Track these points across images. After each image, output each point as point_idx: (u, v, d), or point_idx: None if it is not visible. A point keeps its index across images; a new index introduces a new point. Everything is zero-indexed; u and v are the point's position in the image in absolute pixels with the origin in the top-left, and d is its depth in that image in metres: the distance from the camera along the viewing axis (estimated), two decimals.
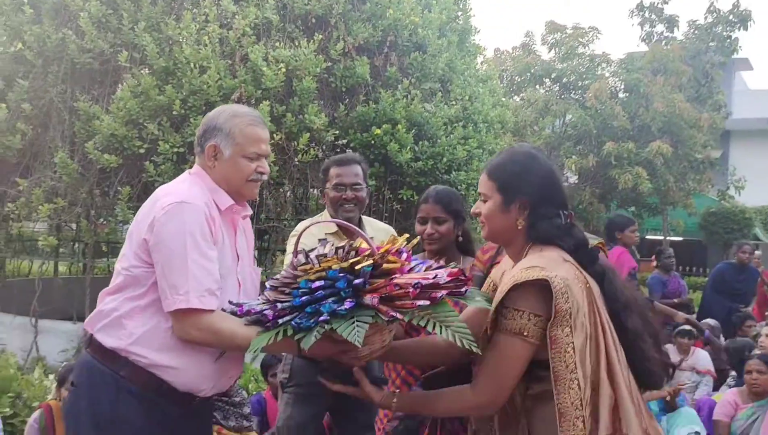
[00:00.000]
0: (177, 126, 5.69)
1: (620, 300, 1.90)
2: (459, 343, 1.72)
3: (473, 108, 6.97)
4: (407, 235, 2.04)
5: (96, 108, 5.78)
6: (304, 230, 2.22)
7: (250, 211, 2.33)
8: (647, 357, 1.89)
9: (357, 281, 1.76)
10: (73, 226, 7.45)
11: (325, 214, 3.19)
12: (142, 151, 5.62)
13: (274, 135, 5.54)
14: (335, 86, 6.19)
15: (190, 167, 6.05)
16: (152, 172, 5.51)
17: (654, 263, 7.11)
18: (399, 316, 1.74)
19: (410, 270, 1.89)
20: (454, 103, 6.75)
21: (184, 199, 2.02)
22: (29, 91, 6.06)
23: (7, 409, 4.56)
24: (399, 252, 1.89)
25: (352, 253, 1.89)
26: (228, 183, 2.16)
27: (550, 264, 1.82)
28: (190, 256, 1.96)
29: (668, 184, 12.68)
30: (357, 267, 1.79)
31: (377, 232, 3.16)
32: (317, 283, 1.79)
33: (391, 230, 3.27)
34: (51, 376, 5.00)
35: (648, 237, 15.94)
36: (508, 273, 1.93)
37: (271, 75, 5.55)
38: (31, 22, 6.07)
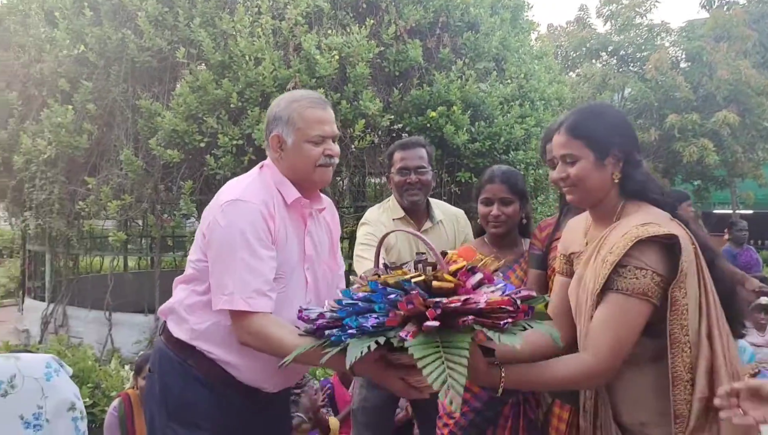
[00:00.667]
0: (235, 119, 5.78)
1: (711, 248, 1.83)
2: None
3: (529, 86, 6.83)
4: (491, 259, 1.83)
5: (157, 105, 5.93)
6: (384, 237, 1.98)
7: (324, 204, 2.21)
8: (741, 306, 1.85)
9: (391, 296, 1.61)
10: (140, 221, 7.68)
11: (391, 200, 3.17)
12: (202, 145, 5.73)
13: None
14: (388, 71, 6.16)
15: (249, 159, 6.19)
16: (213, 165, 5.62)
17: (726, 236, 6.85)
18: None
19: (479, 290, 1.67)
20: (509, 81, 6.63)
21: (239, 196, 1.97)
22: (93, 92, 6.25)
23: (87, 399, 4.75)
24: (472, 271, 1.71)
25: (428, 268, 1.73)
26: (296, 172, 2.07)
27: (664, 221, 1.75)
28: (238, 256, 1.90)
29: (736, 155, 12.14)
30: (414, 280, 1.64)
31: (447, 215, 3.12)
32: (360, 295, 1.69)
33: (461, 214, 3.22)
34: (126, 367, 5.19)
35: (716, 211, 15.36)
36: (614, 232, 1.81)
37: (324, 63, 5.56)
38: (92, 24, 6.25)
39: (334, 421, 3.86)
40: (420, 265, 1.73)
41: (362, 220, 3.11)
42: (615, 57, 13.50)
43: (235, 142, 5.62)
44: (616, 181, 1.84)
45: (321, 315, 1.74)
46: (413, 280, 1.62)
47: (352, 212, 6.53)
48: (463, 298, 1.56)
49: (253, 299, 1.89)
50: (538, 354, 1.83)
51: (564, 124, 1.88)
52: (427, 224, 3.06)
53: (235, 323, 1.93)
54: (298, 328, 1.85)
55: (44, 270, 8.02)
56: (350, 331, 1.58)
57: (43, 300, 7.78)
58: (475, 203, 2.78)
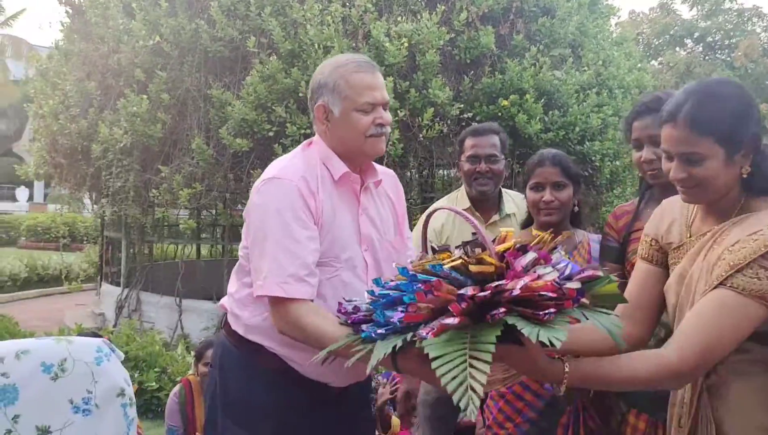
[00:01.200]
0: (303, 108, 5.75)
1: None
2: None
3: (607, 73, 6.54)
4: (549, 233, 1.62)
5: (228, 94, 5.97)
6: (429, 216, 1.88)
7: (380, 176, 2.02)
8: None
9: (418, 286, 1.40)
10: (213, 210, 7.82)
11: (461, 190, 3.03)
12: (271, 134, 5.74)
13: (398, 111, 5.47)
14: (459, 58, 6.00)
15: None
16: (281, 155, 5.60)
17: None
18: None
19: (534, 273, 1.42)
20: (586, 68, 6.35)
21: (276, 174, 1.82)
22: (167, 82, 6.36)
23: (153, 383, 4.85)
24: (523, 250, 1.48)
25: (477, 250, 1.50)
26: (345, 144, 1.89)
27: None
28: (271, 237, 1.75)
29: None
30: (448, 264, 1.43)
31: (521, 209, 2.96)
32: (392, 284, 1.51)
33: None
34: (193, 353, 5.27)
35: None
36: (736, 228, 1.59)
37: (393, 50, 5.46)
38: (167, 15, 6.37)
39: (395, 421, 3.77)
40: (467, 248, 1.53)
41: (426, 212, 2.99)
42: (701, 44, 12.87)
43: (303, 131, 5.59)
44: (744, 175, 1.59)
45: (357, 308, 1.60)
46: (447, 265, 1.41)
47: (419, 204, 6.41)
48: (494, 284, 1.33)
49: (289, 285, 1.73)
50: (592, 352, 1.61)
51: (682, 115, 1.56)
52: (495, 217, 2.89)
53: (273, 311, 1.78)
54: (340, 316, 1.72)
55: (120, 256, 8.29)
56: (379, 329, 1.43)
57: (118, 285, 8.05)
58: (523, 191, 2.55)
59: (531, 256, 1.44)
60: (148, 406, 4.84)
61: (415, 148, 5.89)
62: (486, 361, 1.24)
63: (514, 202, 2.99)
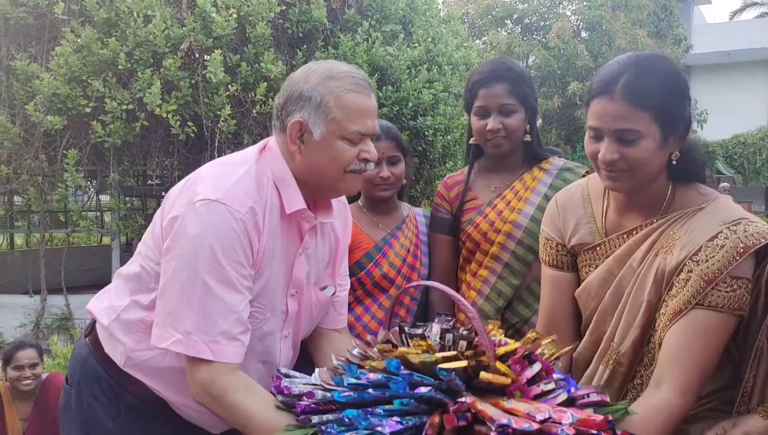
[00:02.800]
0: (124, 82, 5.34)
1: None
2: None
3: (437, 50, 6.69)
4: (553, 338, 1.41)
5: (34, 66, 5.39)
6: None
7: (333, 216, 1.69)
8: None
9: (421, 389, 1.14)
10: (24, 196, 7.07)
11: None
12: (88, 110, 5.26)
13: (229, 86, 5.23)
14: (291, 32, 5.85)
15: (142, 126, 5.71)
16: (101, 133, 5.18)
17: None
18: None
19: (536, 395, 1.21)
20: (416, 45, 6.46)
21: (221, 197, 1.44)
22: None
23: None
24: (530, 358, 1.26)
25: (461, 344, 1.27)
26: (316, 175, 1.54)
27: (746, 213, 1.48)
28: (202, 282, 1.40)
29: None
30: (450, 365, 1.17)
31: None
32: (370, 376, 1.22)
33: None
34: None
35: None
36: (684, 229, 1.47)
37: (221, 22, 5.19)
38: None
39: None
40: (447, 336, 1.30)
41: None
42: (519, 25, 13.66)
43: (124, 106, 5.19)
44: (675, 161, 1.47)
45: (310, 393, 1.28)
46: (452, 366, 1.15)
47: None
48: (539, 417, 1.06)
49: (219, 345, 1.41)
50: None
51: (619, 87, 1.40)
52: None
53: (191, 373, 1.43)
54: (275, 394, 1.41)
55: None
56: (351, 434, 1.13)
57: None
58: None
59: (537, 367, 1.23)
60: None
61: (248, 125, 5.68)
62: None
63: None
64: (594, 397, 1.23)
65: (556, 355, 1.35)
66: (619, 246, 1.57)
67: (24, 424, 3.47)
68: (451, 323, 1.43)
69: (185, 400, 1.52)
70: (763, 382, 1.51)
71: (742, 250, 1.40)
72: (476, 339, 1.26)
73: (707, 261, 1.42)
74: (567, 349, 1.44)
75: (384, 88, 5.91)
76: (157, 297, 1.48)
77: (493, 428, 1.05)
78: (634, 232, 1.55)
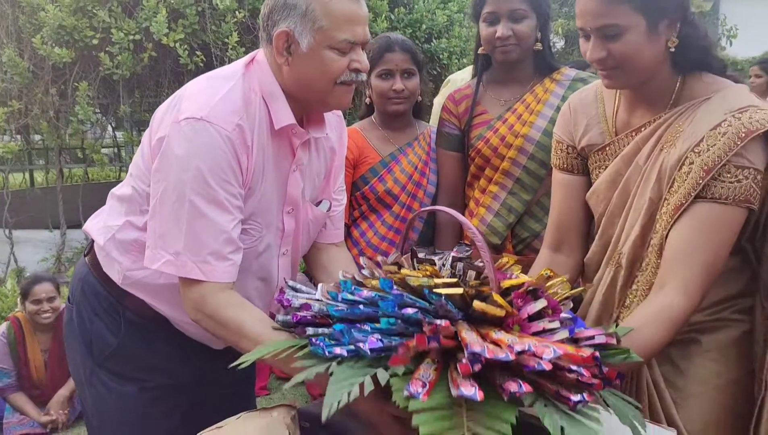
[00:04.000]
0: (129, 11, 5.21)
1: None
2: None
3: None
4: (565, 278, 1.35)
5: None
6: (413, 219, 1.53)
7: (325, 130, 1.65)
8: None
9: (407, 310, 1.11)
10: (38, 133, 7.07)
11: None
12: (95, 41, 5.15)
13: (237, 12, 5.09)
14: None
15: (150, 56, 5.58)
16: (109, 65, 5.09)
17: None
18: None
19: (536, 332, 1.15)
20: None
21: (206, 115, 1.40)
22: None
23: None
24: (535, 294, 1.21)
25: (470, 274, 1.23)
26: (305, 88, 1.49)
27: (756, 100, 1.40)
28: (190, 202, 1.38)
29: None
30: (446, 290, 1.13)
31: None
32: (364, 293, 1.20)
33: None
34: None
35: None
36: (689, 119, 1.41)
37: None
38: None
39: None
40: (458, 265, 1.26)
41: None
42: None
43: (131, 37, 5.06)
44: (672, 49, 1.41)
45: (307, 305, 1.26)
46: (445, 292, 1.12)
47: None
48: (517, 348, 1.01)
49: (209, 265, 1.40)
50: None
51: None
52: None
53: (184, 294, 1.44)
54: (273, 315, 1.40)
55: None
56: (337, 348, 1.10)
57: None
58: (369, 84, 2.32)
59: (541, 303, 1.17)
60: None
61: None
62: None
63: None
64: (600, 339, 1.17)
65: (566, 295, 1.28)
66: (627, 144, 1.51)
67: (45, 354, 3.56)
68: (468, 253, 1.38)
69: (184, 317, 1.53)
70: None
71: (744, 135, 1.33)
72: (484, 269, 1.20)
73: (708, 150, 1.36)
74: (579, 289, 1.40)
75: (396, 10, 5.71)
76: (148, 218, 1.47)
77: (467, 354, 1.00)
78: (642, 129, 1.49)
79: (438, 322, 1.06)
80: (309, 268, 1.80)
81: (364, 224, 2.32)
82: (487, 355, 0.99)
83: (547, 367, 0.98)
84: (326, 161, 1.72)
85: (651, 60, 1.41)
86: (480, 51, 2.22)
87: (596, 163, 1.61)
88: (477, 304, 1.11)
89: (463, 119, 2.25)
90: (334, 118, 1.73)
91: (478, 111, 2.23)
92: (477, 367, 1.00)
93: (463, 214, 2.27)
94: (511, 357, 0.99)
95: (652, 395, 1.50)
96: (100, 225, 1.65)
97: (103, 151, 8.07)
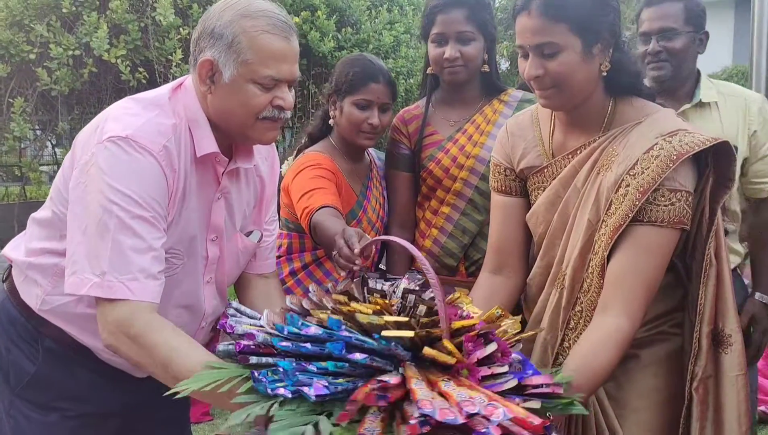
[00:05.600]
0: (69, 26, 5.10)
1: None
2: None
3: None
4: (518, 319, 1.32)
5: None
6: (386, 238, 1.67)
7: (254, 161, 1.62)
8: None
9: (357, 356, 1.07)
10: None
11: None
12: (32, 56, 5.02)
13: (181, 29, 5.02)
14: None
15: (90, 72, 5.45)
16: (47, 80, 4.95)
17: None
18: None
19: (485, 376, 1.12)
20: None
21: (131, 134, 1.35)
22: None
23: None
24: (486, 337, 1.17)
25: (421, 308, 1.21)
26: (227, 119, 1.45)
27: (684, 124, 1.47)
28: (119, 220, 1.31)
29: None
30: (395, 333, 1.10)
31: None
32: (311, 329, 1.15)
33: None
34: None
35: None
36: (623, 143, 1.46)
37: None
38: None
39: None
40: (410, 298, 1.23)
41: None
42: None
43: (70, 52, 4.95)
44: (605, 73, 1.46)
45: (250, 335, 1.19)
46: (395, 335, 1.08)
47: None
48: (467, 409, 0.97)
49: (138, 282, 1.31)
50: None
51: (535, 2, 1.41)
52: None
53: (103, 316, 1.33)
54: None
55: None
56: (281, 388, 1.05)
57: None
58: (335, 103, 2.19)
59: (491, 347, 1.14)
60: None
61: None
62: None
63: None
64: (547, 389, 1.15)
65: (516, 337, 1.28)
66: (564, 167, 1.55)
67: None
68: (420, 283, 1.37)
69: (102, 345, 1.45)
70: (712, 302, 1.51)
71: (675, 158, 1.39)
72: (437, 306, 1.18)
73: (643, 173, 1.41)
74: (530, 332, 1.42)
75: (343, 30, 5.74)
76: (67, 243, 1.39)
77: (415, 415, 0.97)
78: (578, 152, 1.54)
79: (387, 379, 1.03)
80: (238, 298, 1.75)
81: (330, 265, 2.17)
82: (438, 417, 0.96)
83: (496, 432, 0.96)
84: (256, 191, 1.68)
85: (585, 81, 1.45)
86: (429, 71, 2.24)
87: (535, 184, 1.64)
88: (427, 350, 1.08)
89: (414, 139, 2.24)
90: (264, 147, 1.69)
91: (427, 131, 2.24)
92: (426, 429, 0.96)
93: (414, 234, 2.25)
94: (461, 420, 0.96)
95: (596, 411, 1.53)
96: (20, 249, 1.59)
97: (43, 168, 7.84)
